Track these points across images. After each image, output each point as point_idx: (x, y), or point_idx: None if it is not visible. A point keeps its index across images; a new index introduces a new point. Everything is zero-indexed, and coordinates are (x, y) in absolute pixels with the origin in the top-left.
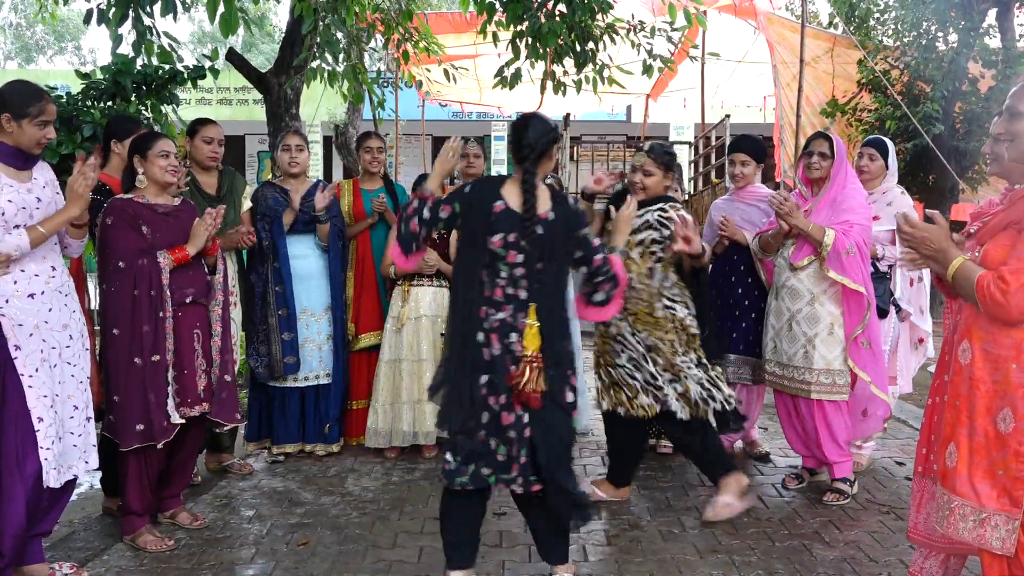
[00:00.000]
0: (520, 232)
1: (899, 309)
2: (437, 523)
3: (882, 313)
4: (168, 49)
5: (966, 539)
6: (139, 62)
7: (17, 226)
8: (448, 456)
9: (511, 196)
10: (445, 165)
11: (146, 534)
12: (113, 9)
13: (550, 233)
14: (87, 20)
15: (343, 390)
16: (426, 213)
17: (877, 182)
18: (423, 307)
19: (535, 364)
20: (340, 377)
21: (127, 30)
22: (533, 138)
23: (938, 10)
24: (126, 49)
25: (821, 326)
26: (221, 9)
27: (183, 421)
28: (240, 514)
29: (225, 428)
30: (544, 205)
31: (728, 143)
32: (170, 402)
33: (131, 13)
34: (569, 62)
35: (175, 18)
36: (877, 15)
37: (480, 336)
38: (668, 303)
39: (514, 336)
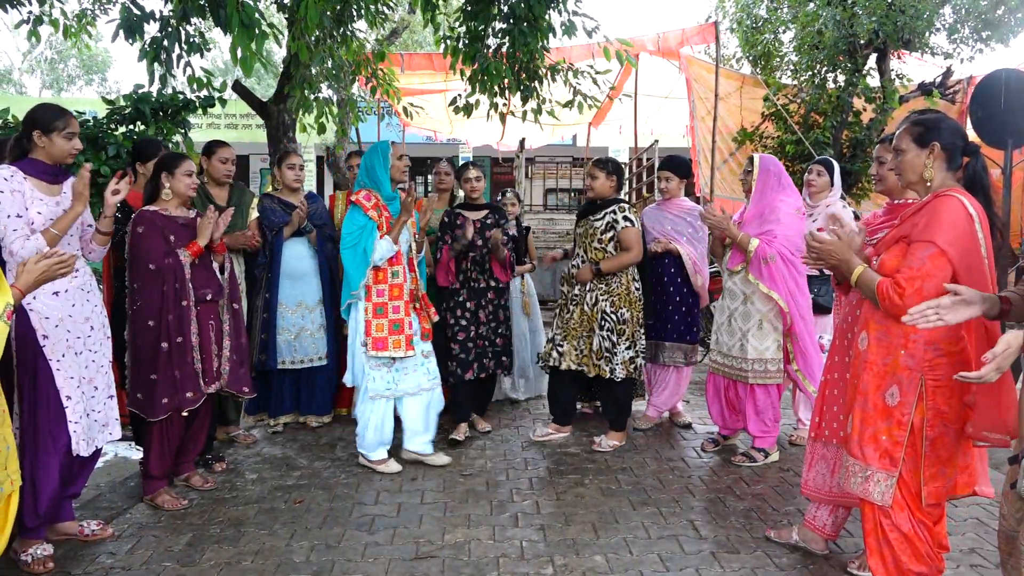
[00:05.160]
0: None
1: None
2: (412, 483)
3: (826, 310)
4: (203, 79)
5: (856, 492)
6: (155, 87)
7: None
8: None
9: None
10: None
11: (163, 495)
12: (148, 49)
13: None
14: (114, 38)
15: (335, 371)
16: None
17: (823, 195)
18: None
19: None
20: (333, 360)
21: (158, 69)
22: None
23: (829, 55)
24: (156, 82)
25: (752, 322)
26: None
27: (211, 391)
28: (245, 477)
29: (239, 398)
30: None
31: (657, 163)
32: (200, 378)
33: (163, 54)
34: (515, 97)
35: (201, 56)
36: (779, 59)
37: None
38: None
39: None
